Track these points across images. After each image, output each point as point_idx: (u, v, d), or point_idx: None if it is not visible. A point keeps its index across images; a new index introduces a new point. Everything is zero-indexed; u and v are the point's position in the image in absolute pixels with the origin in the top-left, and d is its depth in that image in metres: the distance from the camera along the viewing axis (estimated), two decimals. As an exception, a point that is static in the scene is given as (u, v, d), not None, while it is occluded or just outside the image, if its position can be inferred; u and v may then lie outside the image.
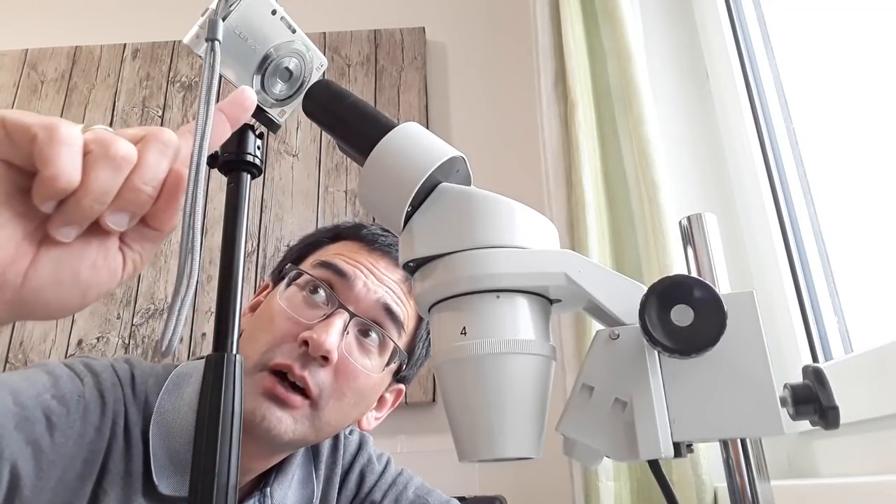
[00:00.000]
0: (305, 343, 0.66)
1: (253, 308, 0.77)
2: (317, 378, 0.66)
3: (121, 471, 0.63)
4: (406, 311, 0.73)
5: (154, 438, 0.65)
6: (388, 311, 0.71)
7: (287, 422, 0.66)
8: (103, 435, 0.63)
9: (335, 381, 0.67)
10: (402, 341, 0.73)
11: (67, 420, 0.60)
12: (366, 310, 0.70)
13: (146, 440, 0.65)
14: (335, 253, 0.74)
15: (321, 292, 0.70)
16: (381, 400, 0.77)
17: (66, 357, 1.62)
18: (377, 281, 0.71)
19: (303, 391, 0.66)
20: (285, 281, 0.72)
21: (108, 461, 0.63)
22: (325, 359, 0.66)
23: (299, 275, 0.72)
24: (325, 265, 0.71)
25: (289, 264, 0.74)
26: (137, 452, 0.64)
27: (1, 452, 0.55)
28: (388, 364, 0.72)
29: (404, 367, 0.75)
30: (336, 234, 0.77)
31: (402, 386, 0.79)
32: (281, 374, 0.66)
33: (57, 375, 0.63)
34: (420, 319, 0.76)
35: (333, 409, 0.68)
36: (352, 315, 0.69)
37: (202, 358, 0.76)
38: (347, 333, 0.68)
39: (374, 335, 0.71)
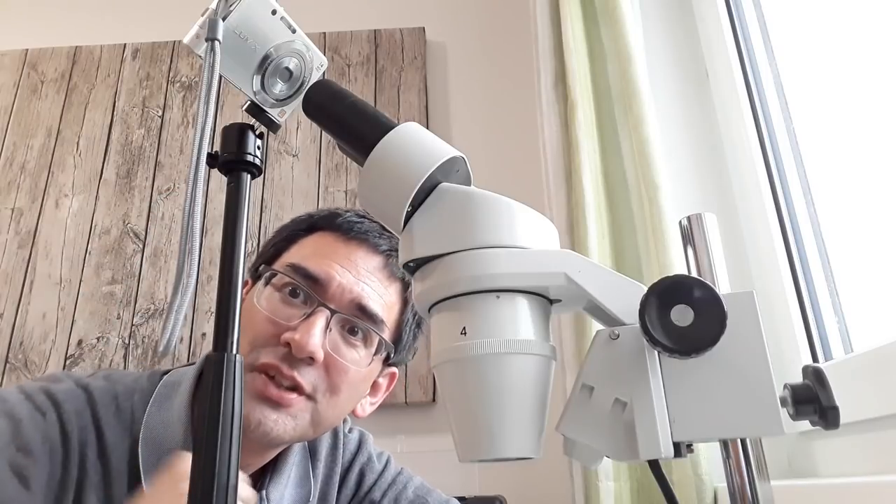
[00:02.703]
0: (288, 344, 0.65)
1: None
2: (307, 377, 0.66)
3: (100, 498, 0.62)
4: (385, 301, 0.72)
5: (144, 453, 0.64)
6: (363, 310, 0.70)
7: (284, 422, 0.65)
8: (69, 470, 0.62)
9: (327, 377, 0.67)
10: (386, 332, 0.72)
11: (37, 469, 0.59)
12: (342, 311, 0.70)
13: (134, 457, 0.64)
14: (309, 251, 0.72)
15: (299, 292, 0.69)
16: (375, 385, 0.77)
17: (65, 357, 1.62)
18: (353, 277, 0.70)
19: (295, 389, 0.66)
20: (262, 280, 0.71)
21: (82, 494, 0.62)
22: (311, 359, 0.66)
23: (274, 275, 0.71)
24: (296, 269, 0.70)
25: (262, 265, 0.73)
26: (119, 473, 0.63)
27: None
28: (375, 354, 0.72)
29: (392, 355, 0.75)
30: (311, 226, 0.75)
31: (394, 370, 0.79)
32: (270, 374, 0.66)
33: (18, 419, 0.60)
34: (405, 303, 0.75)
35: (330, 403, 0.68)
36: (333, 312, 0.68)
37: (192, 364, 0.76)
38: (330, 331, 0.68)
39: (357, 330, 0.70)
